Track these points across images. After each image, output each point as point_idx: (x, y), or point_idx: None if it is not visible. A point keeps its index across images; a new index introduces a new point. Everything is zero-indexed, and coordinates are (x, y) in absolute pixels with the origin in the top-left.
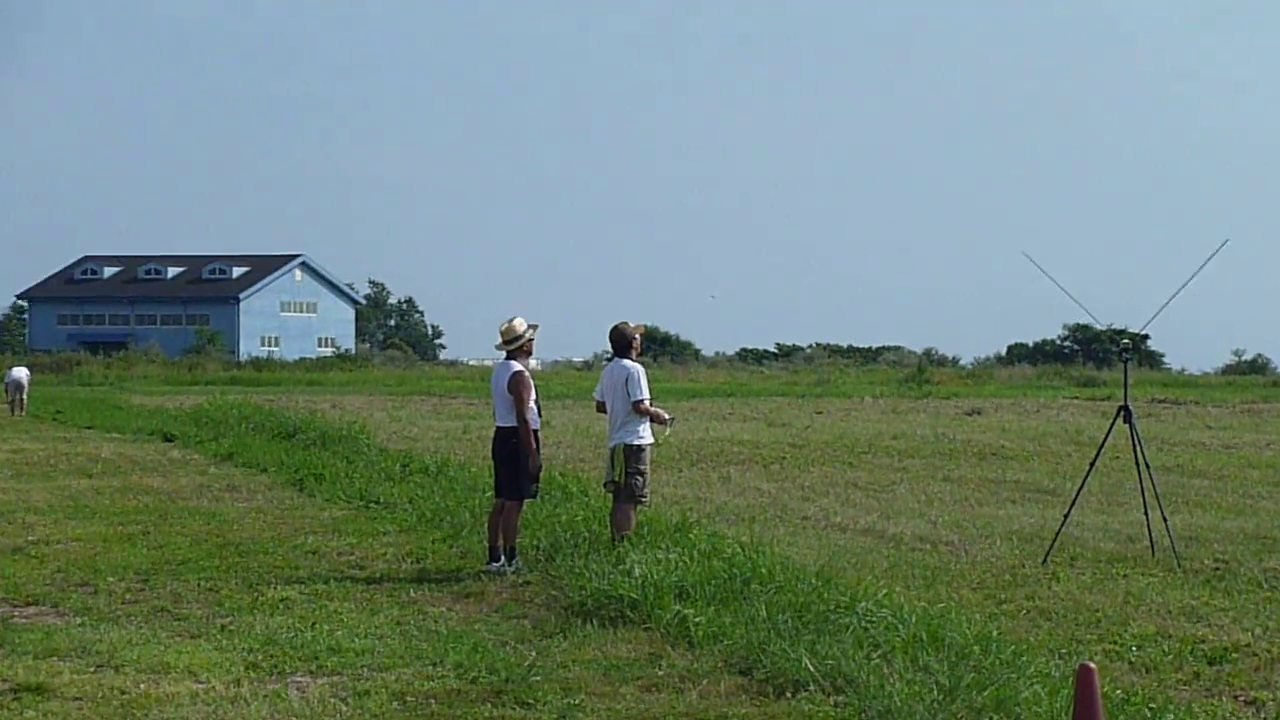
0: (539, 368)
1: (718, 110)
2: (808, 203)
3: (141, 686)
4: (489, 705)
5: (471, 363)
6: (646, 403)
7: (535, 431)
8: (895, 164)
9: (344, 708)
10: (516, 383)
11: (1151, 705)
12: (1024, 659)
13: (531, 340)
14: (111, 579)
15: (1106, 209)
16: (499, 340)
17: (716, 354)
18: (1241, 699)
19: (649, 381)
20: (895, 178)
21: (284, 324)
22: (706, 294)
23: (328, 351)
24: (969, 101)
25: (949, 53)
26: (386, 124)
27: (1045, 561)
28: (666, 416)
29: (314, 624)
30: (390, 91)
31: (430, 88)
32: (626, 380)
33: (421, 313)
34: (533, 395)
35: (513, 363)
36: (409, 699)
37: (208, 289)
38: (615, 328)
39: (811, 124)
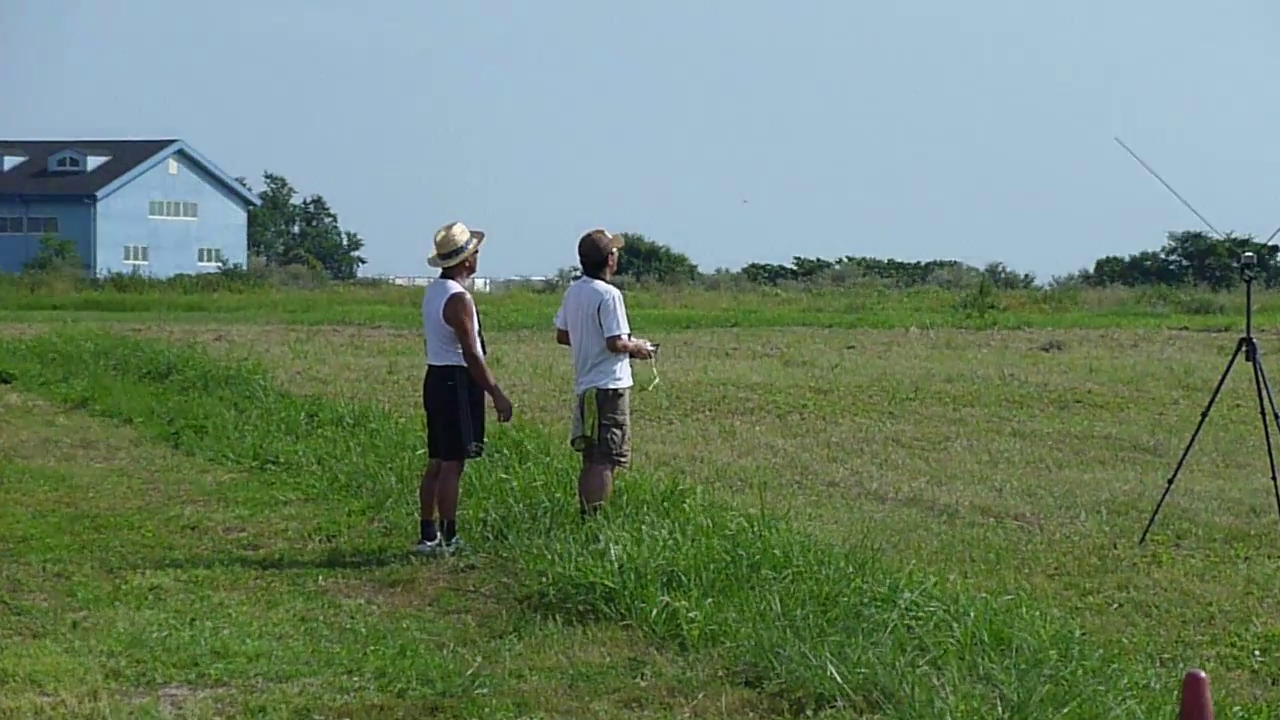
0: (486, 289)
1: None
2: (833, 82)
3: None
4: None
5: (399, 282)
6: (625, 338)
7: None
8: (950, 35)
9: None
10: (456, 308)
11: None
12: (1115, 666)
13: (475, 254)
14: None
15: (1226, 93)
16: (433, 253)
17: (718, 272)
18: None
19: (627, 309)
20: (949, 50)
21: (155, 231)
22: (701, 195)
23: (211, 267)
24: None
25: None
26: None
27: (1143, 540)
28: (650, 348)
29: (193, 620)
30: None
31: None
32: (599, 309)
33: (334, 217)
34: (476, 324)
35: (450, 283)
36: (316, 717)
37: (56, 185)
38: (586, 238)
39: None
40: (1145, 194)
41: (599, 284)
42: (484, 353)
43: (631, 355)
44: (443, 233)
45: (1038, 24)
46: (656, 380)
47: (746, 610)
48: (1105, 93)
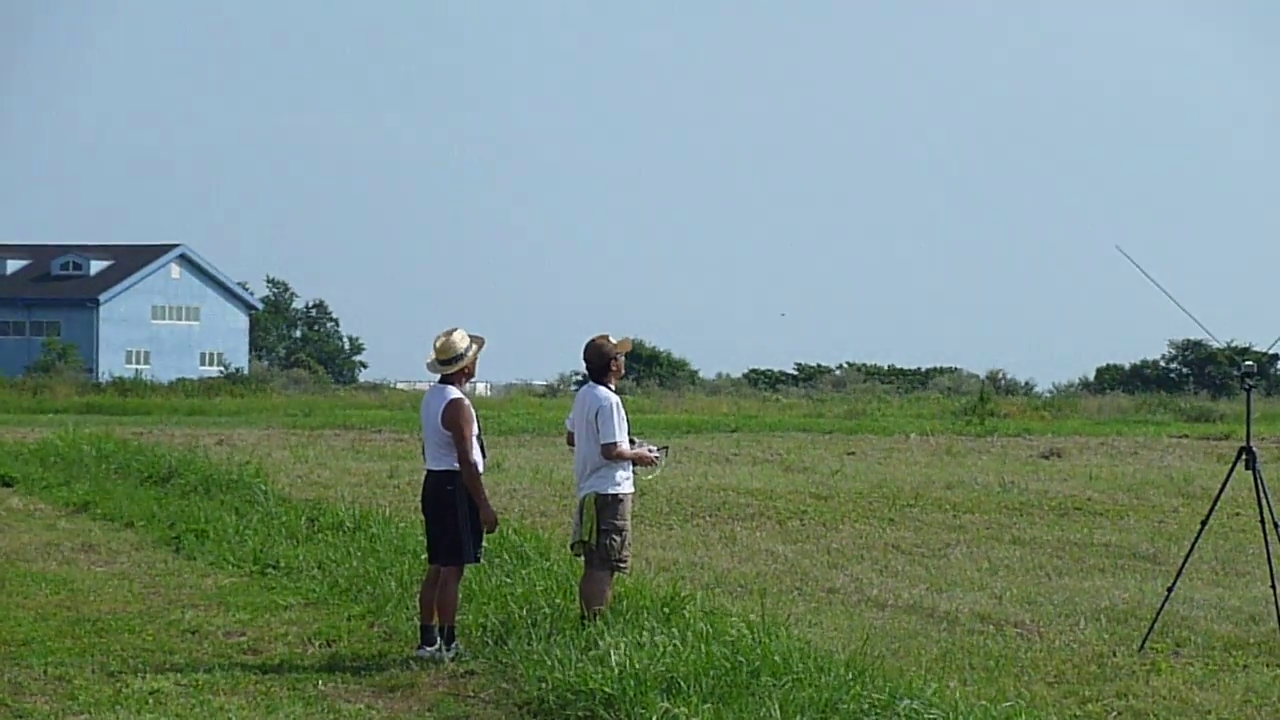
0: (487, 393)
1: (719, 68)
2: (835, 189)
3: None
4: None
5: (400, 386)
6: (623, 446)
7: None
8: (948, 149)
9: None
10: (454, 413)
11: None
12: None
13: (475, 361)
14: None
15: (1225, 200)
16: (432, 358)
17: (719, 376)
18: None
19: (628, 414)
20: (948, 157)
21: (156, 335)
22: (706, 303)
23: (214, 370)
24: (1054, 71)
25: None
26: (289, 77)
27: (1143, 648)
28: (653, 454)
29: None
30: (292, 37)
31: (347, 32)
32: (597, 414)
33: (336, 321)
34: (475, 429)
35: (449, 388)
36: None
37: (58, 289)
38: (591, 343)
39: (839, 90)
40: (1145, 302)
41: (601, 390)
42: (484, 457)
43: (635, 463)
44: (443, 339)
45: (1036, 131)
46: (656, 471)
47: (746, 717)
48: (1106, 200)
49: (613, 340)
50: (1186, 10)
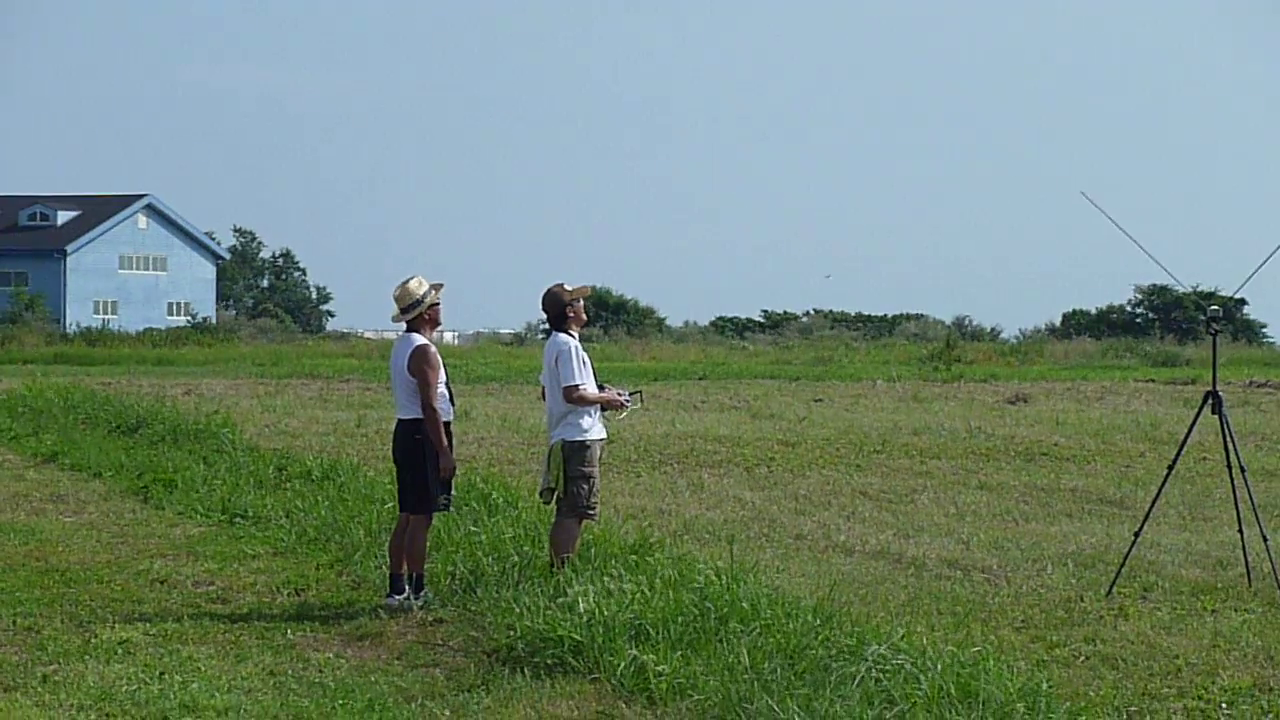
0: (455, 341)
1: (684, 13)
2: (800, 134)
3: None
4: None
5: (368, 335)
6: (584, 388)
7: (447, 424)
8: (913, 95)
9: None
10: (419, 361)
11: None
12: (1082, 719)
13: (436, 305)
14: None
15: (1191, 146)
16: (396, 310)
17: (685, 324)
18: None
19: (593, 361)
20: (913, 109)
21: (124, 284)
22: (681, 257)
23: (181, 320)
24: (1020, 16)
25: None
26: (256, 30)
27: (1110, 593)
28: (622, 398)
29: (162, 674)
30: None
31: None
32: (557, 360)
33: (303, 271)
34: (442, 377)
35: (415, 335)
36: None
37: (24, 239)
38: (547, 292)
39: (806, 34)
40: (1111, 247)
41: (561, 337)
42: (453, 406)
43: (604, 407)
44: (400, 289)
45: (1004, 76)
46: (625, 413)
47: (714, 663)
48: (1071, 144)
49: (569, 287)
50: None
